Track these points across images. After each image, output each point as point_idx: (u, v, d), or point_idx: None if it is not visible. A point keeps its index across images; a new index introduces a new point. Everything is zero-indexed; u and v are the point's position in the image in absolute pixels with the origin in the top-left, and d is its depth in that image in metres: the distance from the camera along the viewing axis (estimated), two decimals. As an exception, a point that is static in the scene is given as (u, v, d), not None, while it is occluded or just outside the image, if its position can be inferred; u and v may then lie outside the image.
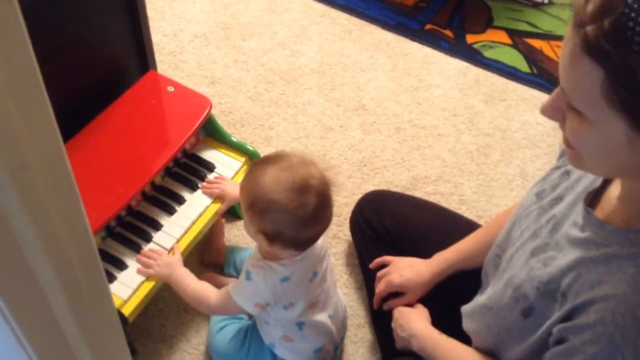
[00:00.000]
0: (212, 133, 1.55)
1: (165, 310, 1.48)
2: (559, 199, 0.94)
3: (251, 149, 1.54)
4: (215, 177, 1.48)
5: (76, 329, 0.63)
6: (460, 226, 1.35)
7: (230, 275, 1.51)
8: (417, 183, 1.77)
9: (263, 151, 1.57)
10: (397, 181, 1.78)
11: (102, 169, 1.34)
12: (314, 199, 1.09)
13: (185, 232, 1.39)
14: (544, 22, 2.28)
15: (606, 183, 0.87)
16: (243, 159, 1.53)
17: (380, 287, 1.32)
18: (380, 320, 1.35)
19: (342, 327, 1.38)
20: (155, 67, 1.55)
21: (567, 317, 0.82)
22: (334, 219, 1.65)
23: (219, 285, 1.28)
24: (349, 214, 1.54)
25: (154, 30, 1.58)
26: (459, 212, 1.59)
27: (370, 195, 1.52)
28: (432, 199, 1.69)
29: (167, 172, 1.46)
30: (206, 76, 1.99)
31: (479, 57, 2.13)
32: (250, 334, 1.33)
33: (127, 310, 1.25)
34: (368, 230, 1.43)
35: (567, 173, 0.95)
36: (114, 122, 1.41)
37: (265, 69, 2.03)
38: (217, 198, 1.44)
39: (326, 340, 1.29)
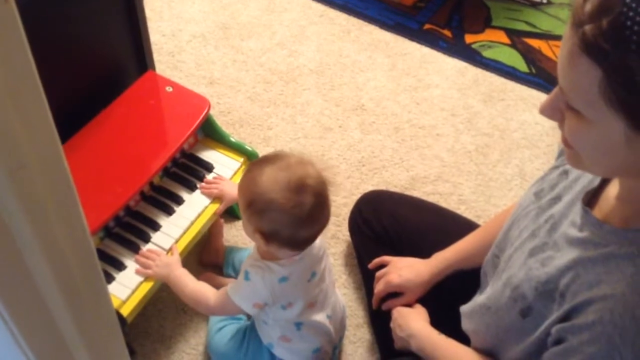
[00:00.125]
0: (210, 133, 1.55)
1: (163, 310, 1.48)
2: (557, 198, 0.94)
3: (250, 149, 1.54)
4: (214, 178, 1.48)
5: (74, 330, 0.63)
6: (459, 226, 1.35)
7: (228, 276, 1.51)
8: (416, 183, 1.77)
9: (262, 151, 1.57)
10: (395, 181, 1.78)
11: (100, 169, 1.34)
12: (311, 199, 1.09)
13: (184, 233, 1.38)
14: (543, 21, 2.29)
15: (604, 183, 0.87)
16: (242, 159, 1.53)
17: (379, 287, 1.32)
18: (379, 320, 1.35)
19: (341, 327, 1.38)
20: (153, 67, 1.55)
21: (565, 317, 0.82)
22: (333, 219, 1.65)
23: (217, 286, 1.28)
24: (348, 214, 1.54)
25: (152, 31, 1.58)
26: (458, 212, 1.59)
27: (369, 195, 1.52)
28: (431, 199, 1.69)
29: (166, 172, 1.46)
30: (205, 76, 1.99)
31: (477, 57, 2.14)
32: (249, 334, 1.32)
33: (125, 311, 1.25)
34: (367, 231, 1.43)
35: (566, 173, 0.95)
36: (112, 122, 1.41)
37: (264, 69, 2.03)
38: (216, 198, 1.44)
39: (324, 341, 1.29)
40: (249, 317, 1.39)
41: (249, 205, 1.12)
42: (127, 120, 1.42)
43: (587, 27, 0.66)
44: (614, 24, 0.64)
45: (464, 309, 1.10)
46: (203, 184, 1.46)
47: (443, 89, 2.02)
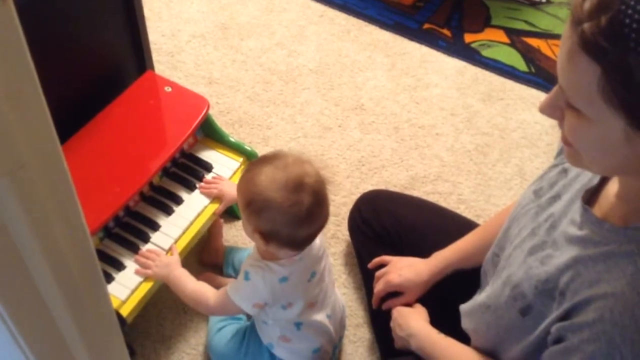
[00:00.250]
0: (210, 133, 1.55)
1: (163, 310, 1.48)
2: (556, 197, 0.94)
3: (249, 149, 1.54)
4: (213, 177, 1.48)
5: (74, 330, 0.63)
6: (458, 225, 1.35)
7: (228, 276, 1.51)
8: (416, 182, 1.77)
9: (261, 151, 1.57)
10: (395, 181, 1.77)
11: (99, 169, 1.34)
12: (309, 197, 1.09)
13: (184, 233, 1.38)
14: (542, 21, 2.29)
15: (604, 181, 0.87)
16: (241, 159, 1.53)
17: (379, 287, 1.32)
18: (379, 320, 1.35)
19: (341, 327, 1.38)
20: (152, 68, 1.55)
21: (565, 316, 0.82)
22: (333, 219, 1.65)
23: (217, 286, 1.28)
24: (348, 214, 1.54)
25: (151, 31, 1.58)
26: (458, 211, 1.59)
27: (368, 194, 1.52)
28: (431, 198, 1.69)
29: (165, 172, 1.46)
30: (204, 76, 1.99)
31: (477, 56, 2.13)
32: (249, 334, 1.32)
33: (125, 311, 1.25)
34: (367, 230, 1.43)
35: (565, 171, 0.95)
36: (111, 122, 1.41)
37: (263, 69, 2.03)
38: (215, 198, 1.44)
39: (324, 340, 1.29)
40: (248, 317, 1.39)
41: (248, 205, 1.12)
42: (126, 121, 1.42)
43: (586, 25, 0.66)
44: (613, 21, 0.64)
45: (464, 307, 1.10)
46: (202, 183, 1.46)
47: (442, 88, 2.02)
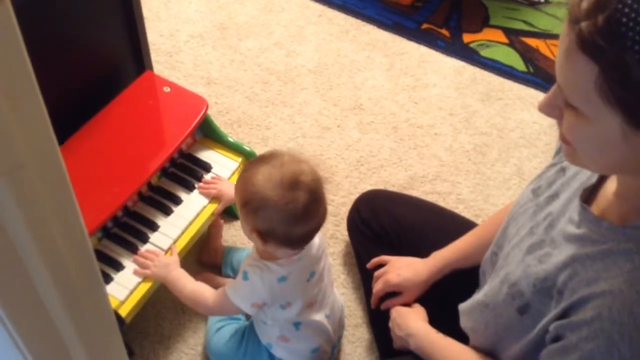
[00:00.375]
0: (208, 133, 1.55)
1: (162, 310, 1.48)
2: (555, 195, 0.94)
3: (248, 149, 1.54)
4: (212, 178, 1.48)
5: (72, 330, 0.63)
6: (457, 225, 1.35)
7: (227, 276, 1.51)
8: (414, 182, 1.78)
9: (260, 151, 1.57)
10: (394, 180, 1.78)
11: (98, 169, 1.34)
12: (305, 195, 1.09)
13: (182, 233, 1.38)
14: (541, 20, 2.29)
15: (602, 179, 0.87)
16: (240, 159, 1.53)
17: (377, 287, 1.32)
18: (378, 320, 1.35)
19: (339, 327, 1.38)
20: (151, 68, 1.55)
21: (563, 314, 0.82)
22: (331, 219, 1.66)
23: (216, 286, 1.28)
24: (346, 214, 1.54)
25: (150, 31, 1.58)
26: (456, 211, 1.59)
27: (367, 194, 1.52)
28: (430, 198, 1.69)
29: (164, 172, 1.46)
30: (202, 76, 1.99)
31: (475, 56, 2.14)
32: (248, 334, 1.32)
33: (124, 311, 1.25)
34: (365, 230, 1.43)
35: (563, 170, 0.95)
36: (110, 122, 1.41)
37: (261, 69, 2.03)
38: (214, 198, 1.44)
39: (323, 340, 1.29)
40: (247, 317, 1.39)
41: (245, 204, 1.12)
42: (124, 121, 1.42)
43: (583, 24, 0.66)
44: (610, 20, 0.64)
45: (463, 306, 1.10)
46: (201, 184, 1.46)
47: (441, 88, 2.03)
